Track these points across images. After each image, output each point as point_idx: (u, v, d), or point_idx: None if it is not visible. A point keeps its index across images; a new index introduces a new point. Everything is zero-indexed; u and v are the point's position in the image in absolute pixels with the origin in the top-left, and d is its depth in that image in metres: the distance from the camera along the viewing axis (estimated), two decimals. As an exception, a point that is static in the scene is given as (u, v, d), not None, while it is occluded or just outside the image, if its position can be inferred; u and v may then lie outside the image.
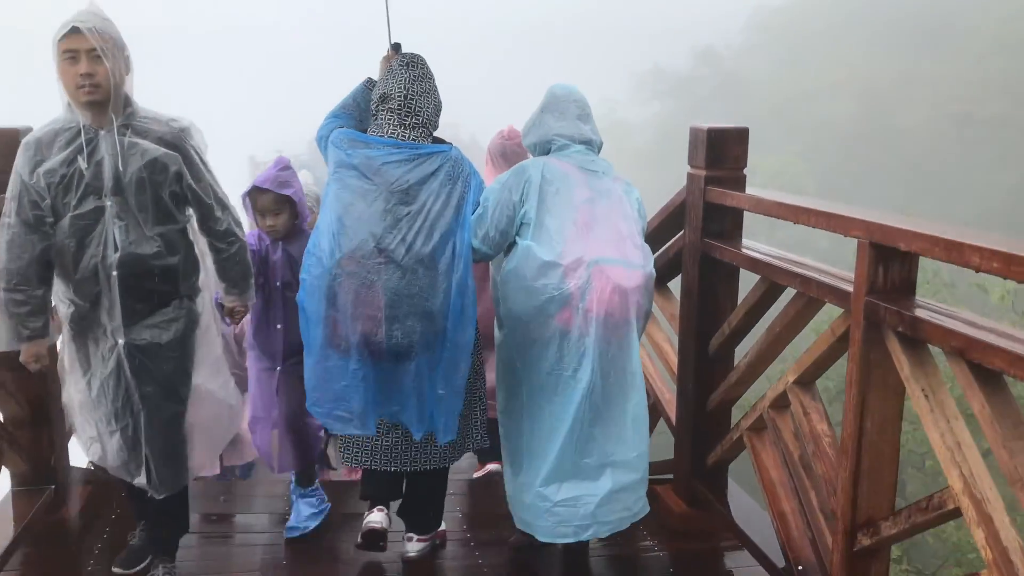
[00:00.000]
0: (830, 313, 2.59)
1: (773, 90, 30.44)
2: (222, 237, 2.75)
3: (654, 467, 3.44)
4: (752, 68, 34.63)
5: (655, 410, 3.87)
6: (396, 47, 3.15)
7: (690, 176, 3.39)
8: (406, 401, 2.87)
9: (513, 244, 2.93)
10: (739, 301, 3.28)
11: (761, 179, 23.14)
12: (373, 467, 3.01)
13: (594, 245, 2.83)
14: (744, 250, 3.13)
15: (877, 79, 25.55)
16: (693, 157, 3.37)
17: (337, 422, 2.87)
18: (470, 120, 41.25)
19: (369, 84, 3.15)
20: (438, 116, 3.04)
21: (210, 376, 2.83)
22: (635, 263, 2.87)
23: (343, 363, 2.81)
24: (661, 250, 3.72)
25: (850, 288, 2.35)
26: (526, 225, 2.88)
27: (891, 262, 2.25)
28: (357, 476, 3.73)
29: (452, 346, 2.85)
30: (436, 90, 3.02)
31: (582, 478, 2.87)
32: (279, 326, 3.24)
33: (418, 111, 2.95)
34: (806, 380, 2.76)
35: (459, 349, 2.87)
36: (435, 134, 3.02)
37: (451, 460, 3.08)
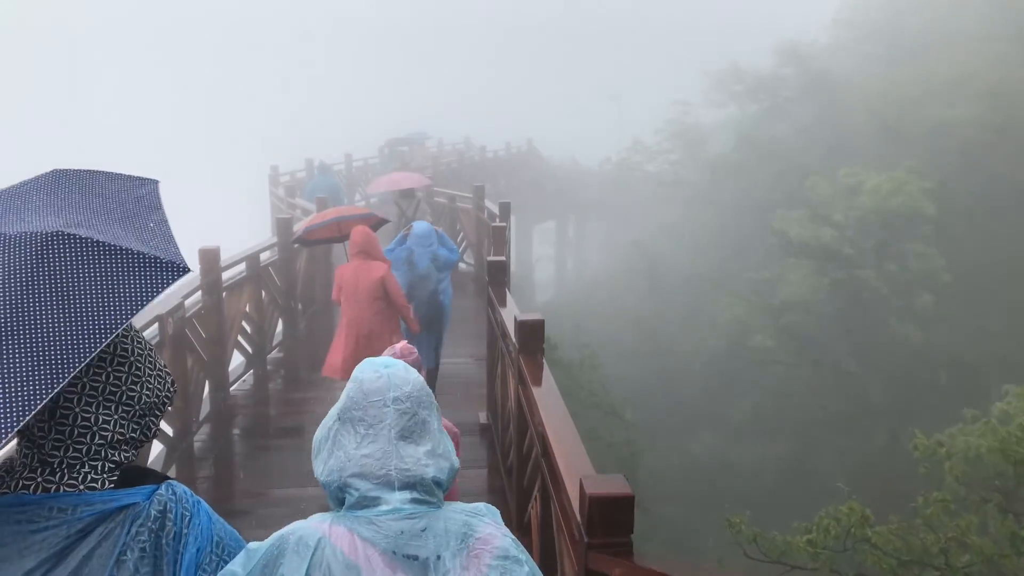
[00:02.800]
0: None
1: (869, 93, 26.75)
2: None
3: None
4: (843, 68, 31.04)
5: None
6: None
7: None
8: None
9: None
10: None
11: (871, 201, 19.28)
12: None
13: None
14: None
15: (1001, 79, 21.72)
16: None
17: None
18: (535, 130, 38.43)
19: None
20: (146, 417, 1.57)
21: None
22: None
23: None
24: None
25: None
26: None
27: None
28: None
29: None
30: (137, 370, 1.57)
31: None
32: None
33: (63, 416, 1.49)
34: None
35: None
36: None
37: None
